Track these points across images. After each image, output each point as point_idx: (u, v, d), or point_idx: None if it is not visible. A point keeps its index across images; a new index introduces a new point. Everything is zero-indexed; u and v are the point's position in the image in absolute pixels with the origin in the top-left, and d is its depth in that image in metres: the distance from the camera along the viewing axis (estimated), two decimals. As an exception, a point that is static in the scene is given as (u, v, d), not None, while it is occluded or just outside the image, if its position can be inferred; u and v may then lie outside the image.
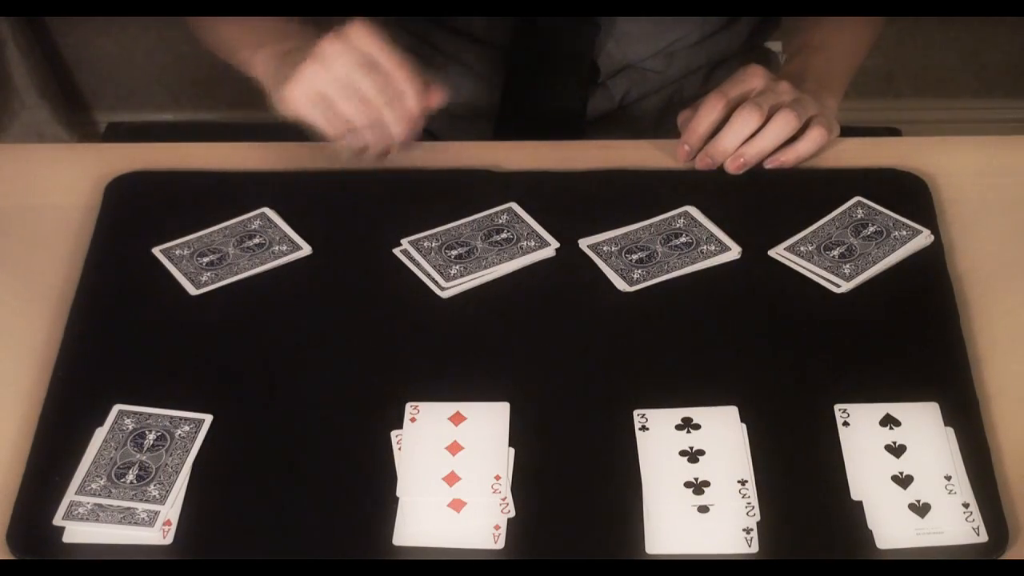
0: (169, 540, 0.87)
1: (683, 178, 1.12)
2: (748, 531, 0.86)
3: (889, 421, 0.93)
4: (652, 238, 1.06)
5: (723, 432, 0.92)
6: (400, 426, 0.92)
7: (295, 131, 1.06)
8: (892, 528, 0.87)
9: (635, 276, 1.03)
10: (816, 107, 1.11)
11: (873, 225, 1.04)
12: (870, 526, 0.87)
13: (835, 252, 1.03)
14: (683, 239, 1.05)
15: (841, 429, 0.92)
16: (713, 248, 1.05)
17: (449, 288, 1.02)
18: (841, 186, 1.09)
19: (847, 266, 1.02)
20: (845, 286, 1.00)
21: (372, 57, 1.00)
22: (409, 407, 0.93)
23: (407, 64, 1.01)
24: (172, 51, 2.20)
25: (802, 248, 1.04)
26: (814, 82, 1.14)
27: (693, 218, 1.07)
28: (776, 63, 1.38)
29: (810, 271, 1.02)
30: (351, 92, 1.00)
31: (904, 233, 1.04)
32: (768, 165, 1.09)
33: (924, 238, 1.04)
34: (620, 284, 1.02)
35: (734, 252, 1.04)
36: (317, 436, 0.93)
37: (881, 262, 1.02)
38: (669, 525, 0.87)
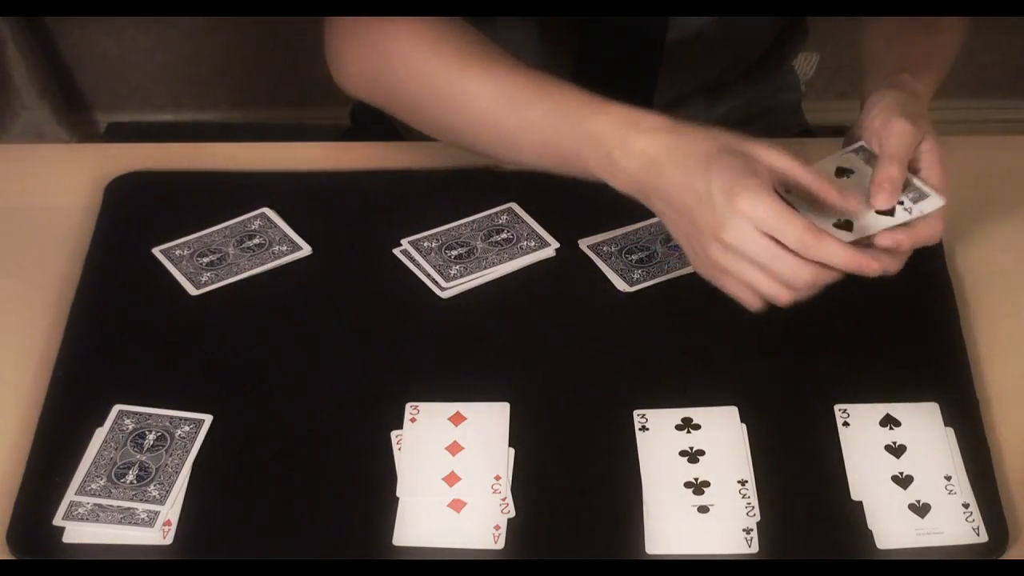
0: (169, 540, 0.87)
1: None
2: (748, 531, 0.86)
3: (889, 421, 0.93)
4: (652, 238, 1.06)
5: (723, 432, 0.92)
6: (400, 426, 0.92)
7: (295, 131, 1.06)
8: (892, 528, 0.87)
9: (635, 276, 1.03)
10: None
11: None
12: (870, 526, 0.87)
13: None
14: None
15: (841, 429, 0.92)
16: (713, 248, 1.04)
17: (449, 288, 1.02)
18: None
19: None
20: None
21: (776, 228, 0.87)
22: (409, 407, 0.93)
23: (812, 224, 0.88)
24: (172, 51, 2.20)
25: None
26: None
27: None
28: (796, 79, 1.38)
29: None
30: (765, 271, 0.89)
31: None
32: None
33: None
34: (620, 284, 1.02)
35: None
36: (317, 436, 0.93)
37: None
38: (669, 525, 0.87)
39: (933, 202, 0.93)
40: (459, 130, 1.01)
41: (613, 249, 1.05)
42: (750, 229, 0.87)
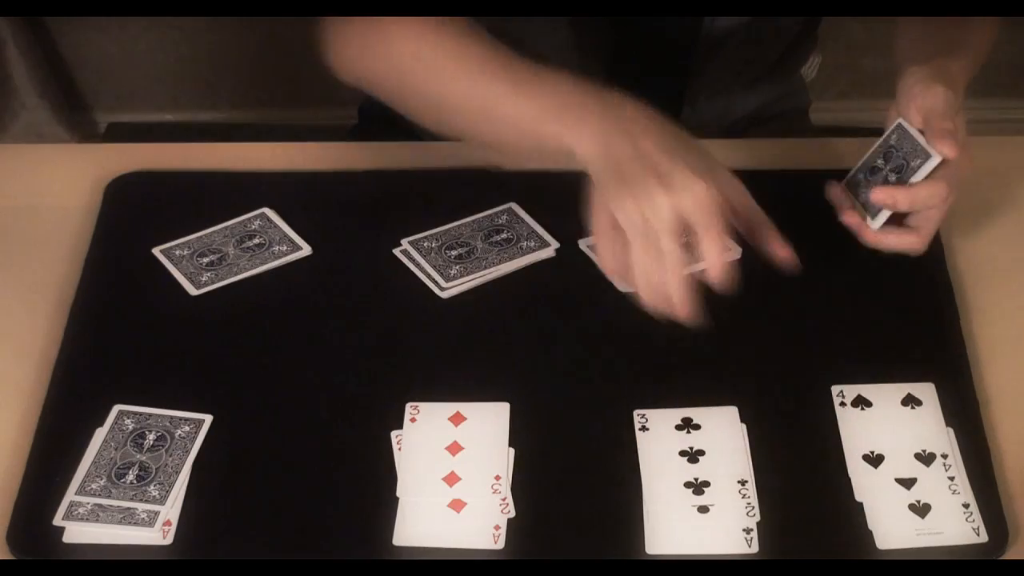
0: (169, 540, 0.87)
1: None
2: (748, 531, 0.86)
3: (889, 421, 0.93)
4: (652, 238, 1.06)
5: (723, 432, 0.92)
6: (400, 426, 0.92)
7: (295, 131, 1.06)
8: (892, 528, 0.87)
9: (635, 276, 1.03)
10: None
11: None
12: (870, 526, 0.87)
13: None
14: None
15: (842, 430, 0.92)
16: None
17: (449, 288, 1.02)
18: (841, 186, 1.10)
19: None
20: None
21: (693, 223, 0.88)
22: (409, 407, 0.93)
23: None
24: (172, 51, 2.20)
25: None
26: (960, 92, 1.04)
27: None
28: (804, 83, 1.38)
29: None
30: (651, 247, 0.88)
31: None
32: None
33: None
34: (620, 284, 1.02)
35: (735, 252, 1.03)
36: (317, 436, 0.93)
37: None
38: (669, 525, 0.87)
39: (931, 162, 0.95)
40: (438, 106, 1.02)
41: (613, 249, 1.05)
42: (689, 206, 0.87)
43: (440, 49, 1.01)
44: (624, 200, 0.89)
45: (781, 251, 0.93)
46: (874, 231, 0.98)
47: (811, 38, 1.30)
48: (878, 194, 0.97)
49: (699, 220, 0.88)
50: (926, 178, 0.96)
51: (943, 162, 0.95)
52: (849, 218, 1.00)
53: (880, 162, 0.99)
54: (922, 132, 0.98)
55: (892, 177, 0.98)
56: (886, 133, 1.00)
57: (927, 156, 0.96)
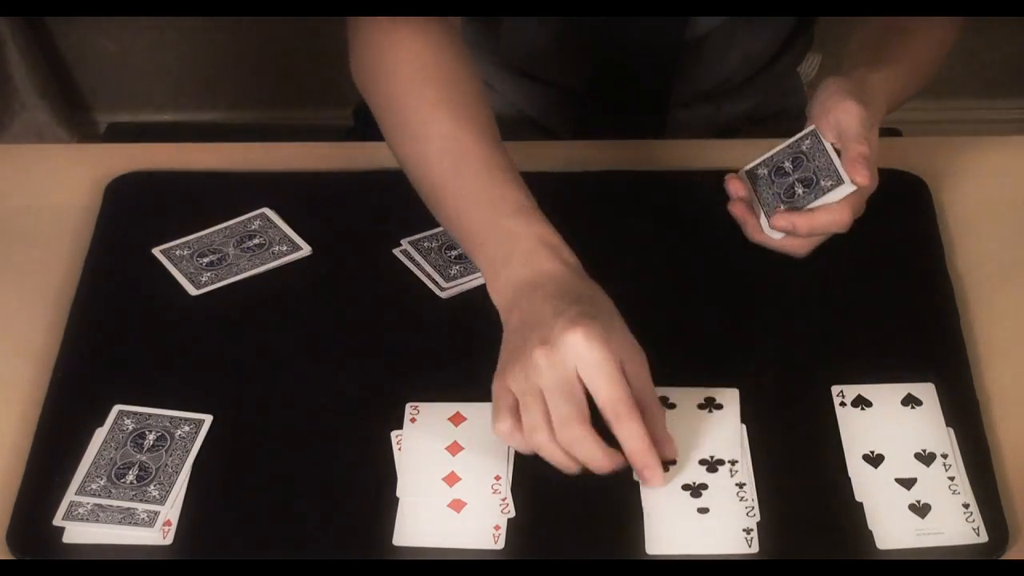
0: (169, 540, 0.87)
1: (682, 179, 1.12)
2: (748, 531, 0.86)
3: (889, 421, 0.93)
4: (652, 238, 1.06)
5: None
6: (400, 426, 0.92)
7: (295, 131, 1.06)
8: (892, 528, 0.87)
9: (635, 276, 1.03)
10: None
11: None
12: (870, 526, 0.87)
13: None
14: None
15: (843, 431, 0.92)
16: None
17: (449, 288, 1.02)
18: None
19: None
20: None
21: (597, 374, 0.84)
22: (409, 407, 0.93)
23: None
24: (172, 51, 2.20)
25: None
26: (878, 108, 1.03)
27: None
28: (801, 83, 1.38)
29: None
30: (539, 408, 0.85)
31: None
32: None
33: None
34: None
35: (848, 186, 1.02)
36: (317, 436, 0.93)
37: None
38: (669, 526, 0.87)
39: (843, 189, 0.96)
40: (404, 161, 1.01)
41: (613, 249, 1.05)
42: (571, 359, 0.83)
43: (419, 108, 0.98)
44: (512, 367, 0.86)
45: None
46: (760, 231, 1.01)
47: (805, 37, 1.30)
48: (779, 221, 0.98)
49: (593, 383, 0.84)
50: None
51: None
52: (736, 209, 1.02)
53: (788, 165, 1.00)
54: (837, 151, 0.98)
55: (800, 188, 0.99)
56: (798, 136, 1.02)
57: (840, 181, 0.97)
